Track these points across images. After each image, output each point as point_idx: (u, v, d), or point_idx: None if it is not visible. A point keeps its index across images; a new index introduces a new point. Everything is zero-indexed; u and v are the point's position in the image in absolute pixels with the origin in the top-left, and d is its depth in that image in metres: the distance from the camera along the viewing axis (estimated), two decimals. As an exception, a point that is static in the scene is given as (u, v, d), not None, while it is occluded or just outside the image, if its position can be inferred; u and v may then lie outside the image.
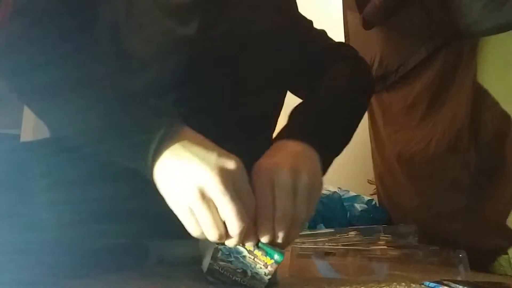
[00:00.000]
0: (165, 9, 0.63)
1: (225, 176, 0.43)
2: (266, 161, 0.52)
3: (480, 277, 0.74)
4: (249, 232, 0.46)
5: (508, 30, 0.83)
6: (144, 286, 0.58)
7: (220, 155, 0.45)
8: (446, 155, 0.96)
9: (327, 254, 0.72)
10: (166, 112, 0.49)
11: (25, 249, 0.56)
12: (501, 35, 0.85)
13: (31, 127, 1.62)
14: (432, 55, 1.05)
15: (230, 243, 0.46)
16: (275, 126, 0.78)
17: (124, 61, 0.63)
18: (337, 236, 1.10)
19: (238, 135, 0.66)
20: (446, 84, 1.00)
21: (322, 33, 0.83)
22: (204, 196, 0.43)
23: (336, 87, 0.68)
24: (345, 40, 1.54)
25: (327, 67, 0.74)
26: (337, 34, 1.59)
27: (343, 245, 0.98)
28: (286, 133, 0.60)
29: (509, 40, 0.84)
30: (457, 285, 0.56)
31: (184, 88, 0.63)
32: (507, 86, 0.84)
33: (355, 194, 1.38)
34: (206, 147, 0.46)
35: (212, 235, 0.44)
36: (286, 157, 0.52)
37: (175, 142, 0.46)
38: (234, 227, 0.44)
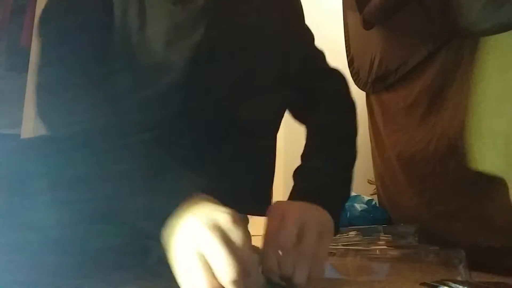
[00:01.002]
0: (177, 14, 0.63)
1: (214, 228, 0.43)
2: (279, 202, 0.56)
3: (480, 277, 0.74)
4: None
5: (508, 30, 0.83)
6: (144, 286, 0.58)
7: (213, 210, 0.46)
8: (446, 155, 0.96)
9: (327, 254, 0.72)
10: (188, 184, 0.50)
11: (25, 249, 0.56)
12: (501, 35, 0.85)
13: (31, 127, 1.62)
14: (432, 55, 1.05)
15: None
16: (278, 126, 0.78)
17: (134, 66, 0.64)
18: (337, 236, 1.10)
19: (240, 134, 0.67)
20: (446, 84, 1.00)
21: (321, 53, 0.84)
22: (198, 251, 0.43)
23: (332, 142, 0.71)
24: (345, 40, 1.54)
25: (317, 102, 0.76)
26: (337, 34, 1.59)
27: (343, 245, 0.98)
28: (293, 197, 0.62)
29: (509, 40, 0.84)
30: (457, 285, 0.56)
31: (189, 88, 0.64)
32: (507, 86, 0.84)
33: (355, 194, 1.38)
34: (203, 205, 0.47)
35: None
36: (295, 203, 0.57)
37: (185, 208, 0.47)
38: (225, 274, 0.41)
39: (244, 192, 0.67)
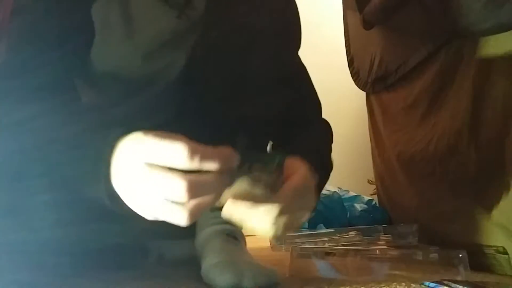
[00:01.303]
0: (175, 20, 0.63)
1: (148, 135, 0.41)
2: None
3: (480, 277, 0.74)
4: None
5: (508, 30, 0.83)
6: (144, 286, 0.58)
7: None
8: (446, 155, 0.96)
9: (327, 254, 0.72)
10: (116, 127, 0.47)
11: (25, 249, 0.56)
12: (501, 35, 0.85)
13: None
14: (432, 55, 1.05)
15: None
16: (278, 127, 0.78)
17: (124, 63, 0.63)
18: (337, 236, 1.10)
19: (235, 135, 0.67)
20: (446, 84, 1.00)
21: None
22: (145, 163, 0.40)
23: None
24: (345, 40, 1.54)
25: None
26: (337, 34, 1.59)
27: (343, 245, 0.98)
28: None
29: (509, 40, 0.84)
30: (457, 285, 0.56)
31: (184, 88, 0.63)
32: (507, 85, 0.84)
33: (355, 194, 1.38)
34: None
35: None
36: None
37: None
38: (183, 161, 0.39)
39: None
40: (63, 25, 0.60)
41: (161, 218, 0.41)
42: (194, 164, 0.38)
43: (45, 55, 0.58)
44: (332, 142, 0.80)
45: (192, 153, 0.38)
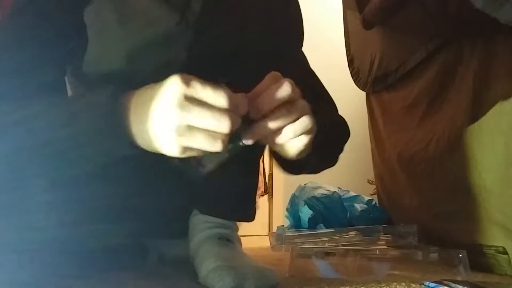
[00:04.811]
0: (167, 11, 0.62)
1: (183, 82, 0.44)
2: None
3: (480, 277, 0.74)
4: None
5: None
6: (144, 286, 0.58)
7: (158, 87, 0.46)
8: (446, 155, 0.97)
9: (327, 254, 0.72)
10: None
11: (25, 249, 0.56)
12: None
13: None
14: (432, 55, 1.05)
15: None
16: None
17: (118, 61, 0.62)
18: (337, 236, 1.10)
19: None
20: (446, 84, 1.01)
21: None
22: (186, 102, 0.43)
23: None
24: (345, 40, 1.54)
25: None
26: (337, 34, 1.60)
27: (343, 245, 0.98)
28: None
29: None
30: (457, 285, 0.56)
31: None
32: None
33: (355, 194, 1.38)
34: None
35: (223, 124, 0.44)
36: None
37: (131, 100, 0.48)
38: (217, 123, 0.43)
39: (230, 198, 0.67)
40: (59, 26, 0.60)
41: (195, 148, 0.44)
42: (231, 106, 0.44)
43: (41, 56, 0.58)
44: (345, 136, 0.79)
45: (232, 100, 0.44)
